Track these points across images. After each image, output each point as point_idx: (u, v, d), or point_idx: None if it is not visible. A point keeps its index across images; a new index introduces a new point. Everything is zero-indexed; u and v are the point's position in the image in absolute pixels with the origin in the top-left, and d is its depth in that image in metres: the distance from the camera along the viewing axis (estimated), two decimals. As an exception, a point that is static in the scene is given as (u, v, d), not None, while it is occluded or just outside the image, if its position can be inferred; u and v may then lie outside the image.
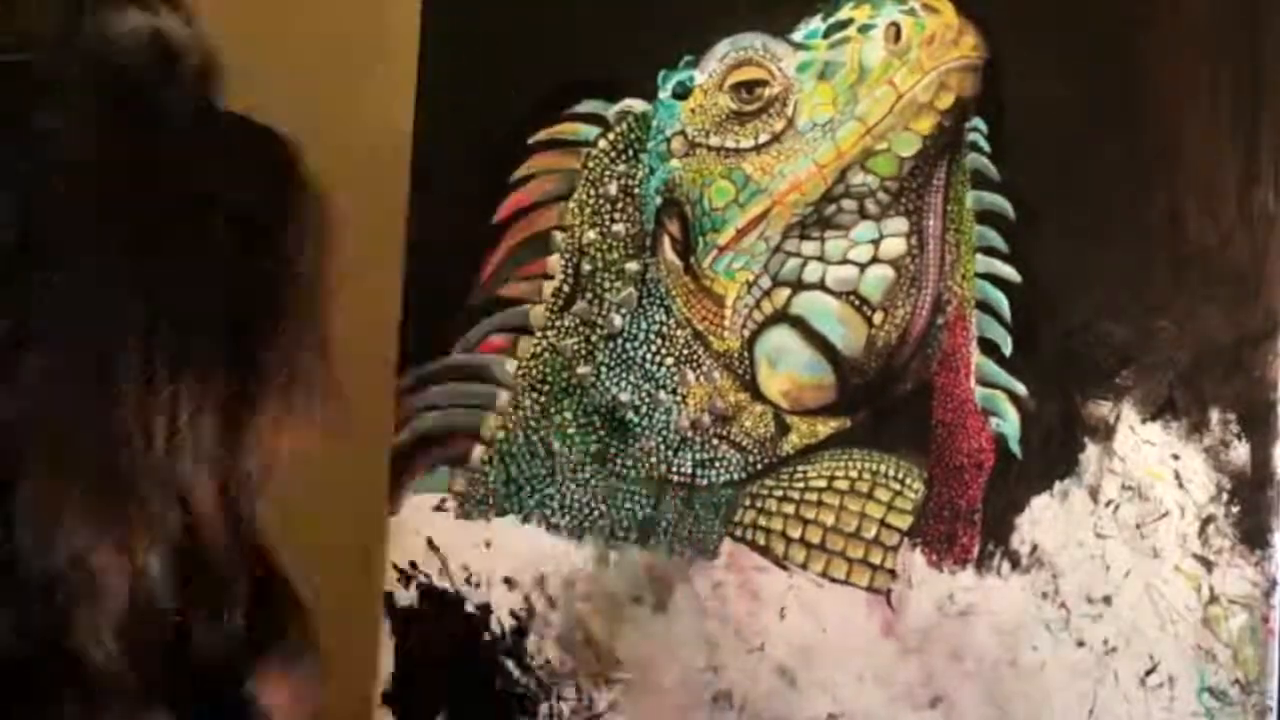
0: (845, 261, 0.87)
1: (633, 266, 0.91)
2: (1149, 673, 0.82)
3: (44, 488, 0.45)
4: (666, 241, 0.90)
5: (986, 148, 0.85)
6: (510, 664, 0.91)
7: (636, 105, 0.91)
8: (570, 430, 0.91)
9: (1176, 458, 0.82)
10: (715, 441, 0.89)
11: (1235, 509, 0.81)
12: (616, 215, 0.91)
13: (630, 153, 0.91)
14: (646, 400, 0.90)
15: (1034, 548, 0.84)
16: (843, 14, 0.87)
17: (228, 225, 0.49)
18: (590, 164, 0.91)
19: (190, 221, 0.48)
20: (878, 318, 0.86)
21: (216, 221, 0.49)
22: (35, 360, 0.45)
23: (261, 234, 0.50)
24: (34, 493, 0.45)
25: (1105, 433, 0.83)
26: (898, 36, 0.85)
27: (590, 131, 0.91)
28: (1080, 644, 0.83)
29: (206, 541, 0.48)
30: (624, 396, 0.90)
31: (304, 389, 0.51)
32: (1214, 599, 0.81)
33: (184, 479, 0.47)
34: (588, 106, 0.91)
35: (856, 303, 0.87)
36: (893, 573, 0.86)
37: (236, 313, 0.49)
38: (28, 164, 0.46)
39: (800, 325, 0.87)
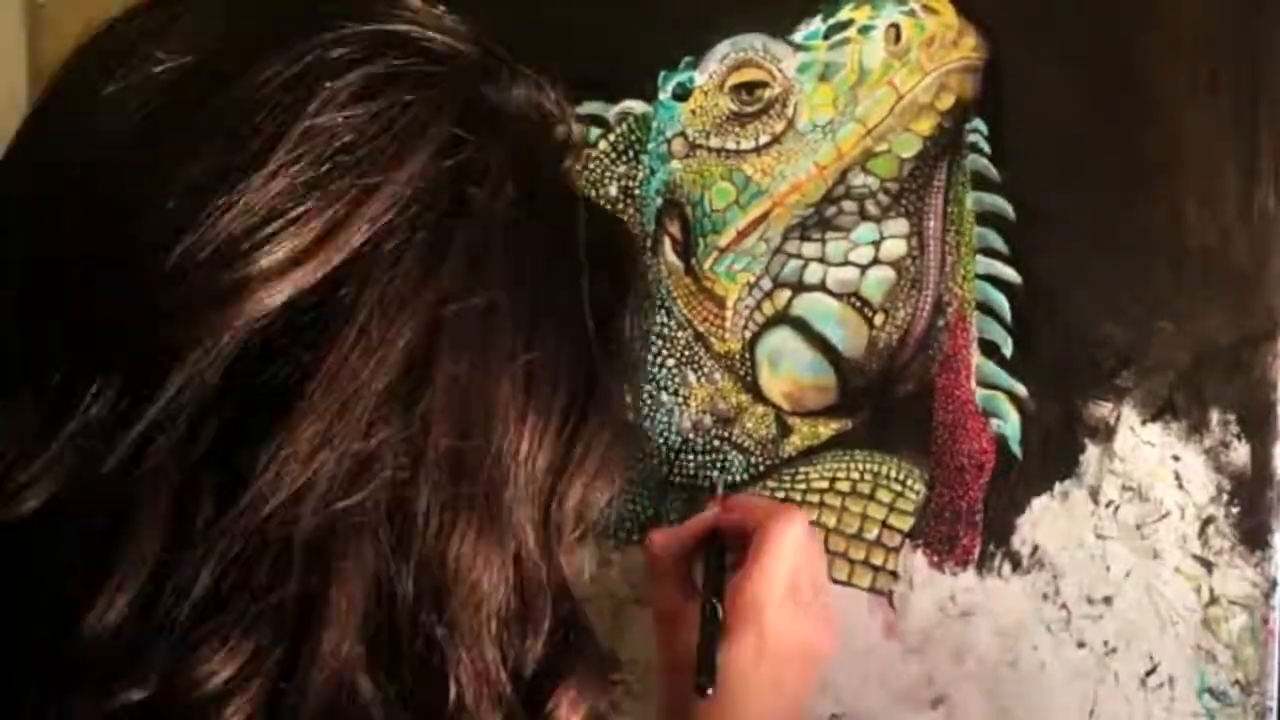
0: (846, 263, 0.87)
1: (633, 268, 0.90)
2: (1149, 673, 0.82)
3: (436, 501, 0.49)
4: (667, 243, 0.90)
5: (987, 149, 0.85)
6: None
7: (636, 106, 0.90)
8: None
9: (1177, 459, 0.82)
10: (717, 443, 0.89)
11: (1235, 510, 0.81)
12: (617, 216, 0.91)
13: (630, 154, 0.91)
14: (648, 401, 0.90)
15: (1035, 549, 0.84)
16: (843, 15, 0.87)
17: (593, 290, 0.53)
18: (590, 165, 0.91)
19: (568, 284, 0.53)
20: (879, 319, 0.87)
21: (583, 284, 0.53)
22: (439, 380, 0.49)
23: (616, 299, 0.55)
24: (426, 505, 0.49)
25: (1105, 434, 0.83)
26: (898, 38, 0.85)
27: (590, 133, 0.91)
28: (1081, 645, 0.83)
29: (526, 572, 0.51)
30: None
31: (620, 446, 0.54)
32: (1214, 600, 0.81)
33: (518, 507, 0.51)
34: (587, 107, 0.91)
35: (857, 304, 0.87)
36: (894, 574, 0.86)
37: (589, 369, 0.52)
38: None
39: (801, 327, 0.87)
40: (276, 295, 0.46)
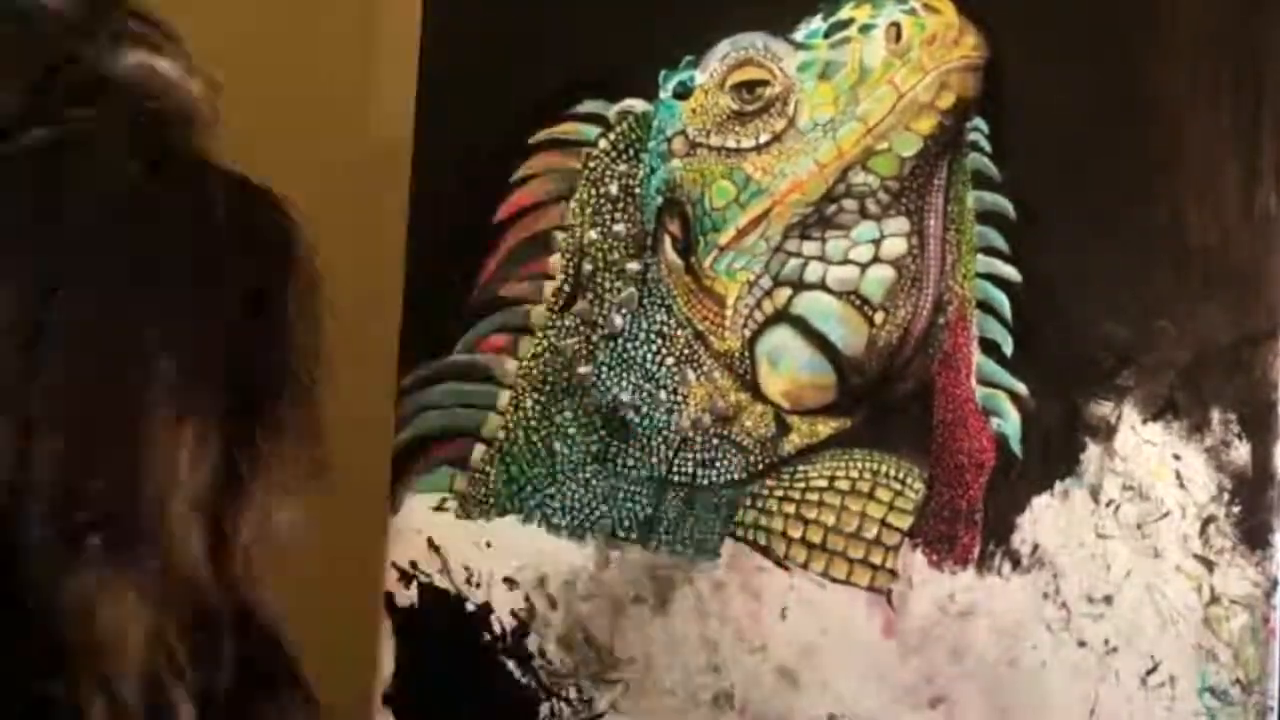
0: (846, 261, 0.87)
1: (633, 266, 0.91)
2: (1150, 673, 0.82)
3: (57, 523, 0.44)
4: (667, 241, 0.90)
5: (987, 147, 0.85)
6: (511, 664, 0.91)
7: (637, 105, 0.91)
8: (571, 430, 0.91)
9: (1178, 458, 0.82)
10: (716, 441, 0.89)
11: (1236, 509, 0.81)
12: (617, 215, 0.91)
13: (631, 153, 0.91)
14: (647, 400, 0.90)
15: (1035, 548, 0.84)
16: (843, 14, 0.87)
17: (231, 285, 0.48)
18: (591, 164, 0.91)
19: (197, 276, 0.48)
20: (879, 318, 0.86)
21: (220, 278, 0.48)
22: (48, 385, 0.44)
23: (263, 297, 0.49)
24: (45, 527, 0.44)
25: (1106, 433, 0.83)
26: (898, 36, 0.85)
27: (591, 131, 0.91)
28: (1081, 644, 0.83)
29: (190, 595, 0.47)
30: (625, 396, 0.90)
31: (298, 460, 0.50)
32: (1215, 599, 0.81)
33: (177, 523, 0.46)
34: (588, 106, 0.91)
35: (857, 302, 0.87)
36: (894, 573, 0.86)
37: (238, 371, 0.48)
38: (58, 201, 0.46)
39: (801, 325, 0.87)
40: None
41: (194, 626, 0.47)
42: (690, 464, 0.89)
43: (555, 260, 0.92)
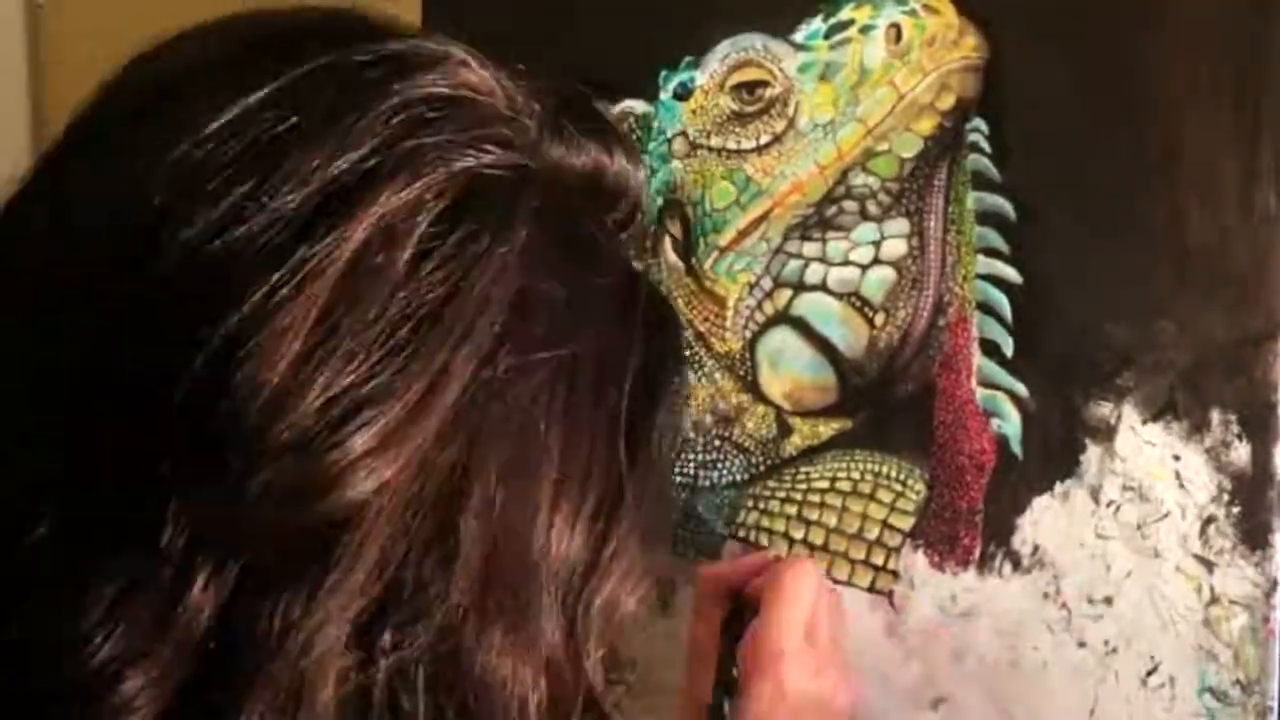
0: (846, 263, 0.87)
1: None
2: (1150, 673, 0.82)
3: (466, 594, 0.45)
4: (668, 242, 0.90)
5: (987, 148, 0.85)
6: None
7: (637, 106, 0.90)
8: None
9: (1177, 458, 0.82)
10: (717, 443, 0.89)
11: (1236, 510, 0.81)
12: (617, 216, 0.91)
13: (631, 154, 0.91)
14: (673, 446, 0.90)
15: (1035, 548, 0.84)
16: (843, 15, 0.87)
17: (636, 375, 0.49)
18: (591, 165, 0.91)
19: (615, 380, 0.49)
20: (879, 319, 0.87)
21: (627, 366, 0.49)
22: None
23: (659, 387, 0.51)
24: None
25: (1106, 433, 0.83)
26: (898, 37, 0.85)
27: (591, 132, 0.91)
28: (1081, 644, 0.83)
29: (555, 678, 0.47)
30: (626, 398, 0.90)
31: (650, 547, 0.50)
32: (1215, 599, 0.81)
33: (547, 612, 0.47)
34: (588, 107, 0.91)
35: (858, 304, 0.87)
36: (895, 574, 0.86)
37: (619, 468, 0.48)
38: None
39: (802, 326, 0.87)
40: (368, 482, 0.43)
41: (553, 708, 0.47)
42: (691, 465, 0.89)
43: (556, 261, 0.92)
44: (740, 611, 0.80)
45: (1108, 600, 0.83)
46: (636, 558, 0.49)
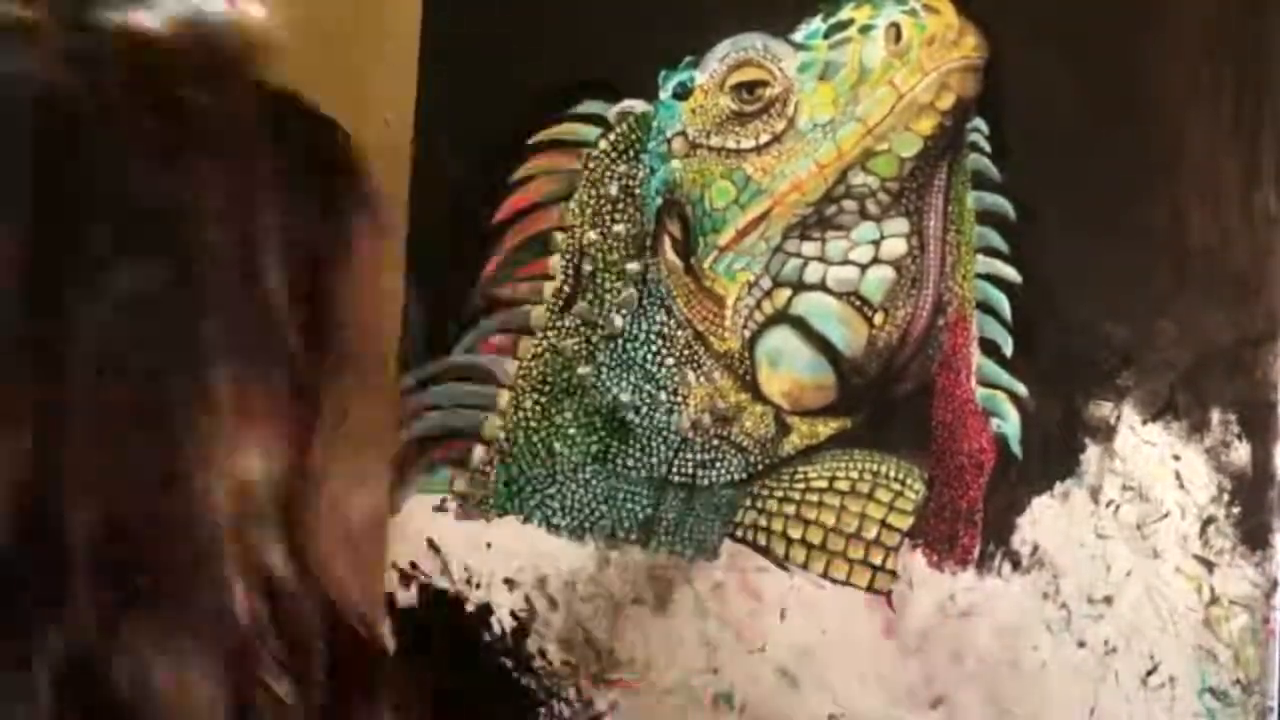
0: (846, 262, 0.87)
1: (633, 267, 0.91)
2: (1150, 673, 0.82)
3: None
4: (667, 242, 0.90)
5: (987, 148, 0.85)
6: (511, 665, 0.91)
7: (637, 106, 0.90)
8: (571, 431, 0.91)
9: (1177, 458, 0.82)
10: (716, 442, 0.89)
11: (1236, 510, 0.81)
12: (617, 216, 0.91)
13: (631, 153, 0.91)
14: (647, 401, 0.90)
15: (1035, 548, 0.84)
16: (843, 14, 0.87)
17: (290, 248, 0.45)
18: (591, 164, 0.91)
19: (243, 244, 0.44)
20: (878, 318, 0.86)
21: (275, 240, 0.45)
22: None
23: (325, 260, 0.46)
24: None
25: (1106, 433, 0.83)
26: (898, 37, 0.85)
27: (591, 132, 0.91)
28: (1081, 644, 0.83)
29: (285, 605, 0.44)
30: (625, 397, 0.90)
31: (370, 439, 0.47)
32: (1215, 599, 0.81)
33: (260, 538, 0.44)
34: (588, 107, 0.91)
35: (857, 303, 0.87)
36: (893, 573, 0.86)
37: (296, 339, 0.44)
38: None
39: (801, 326, 0.87)
40: None
41: (284, 639, 0.44)
42: (690, 464, 0.89)
43: (555, 261, 0.92)
44: None
45: (1107, 600, 0.82)
46: (358, 454, 0.46)
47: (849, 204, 0.87)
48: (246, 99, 0.46)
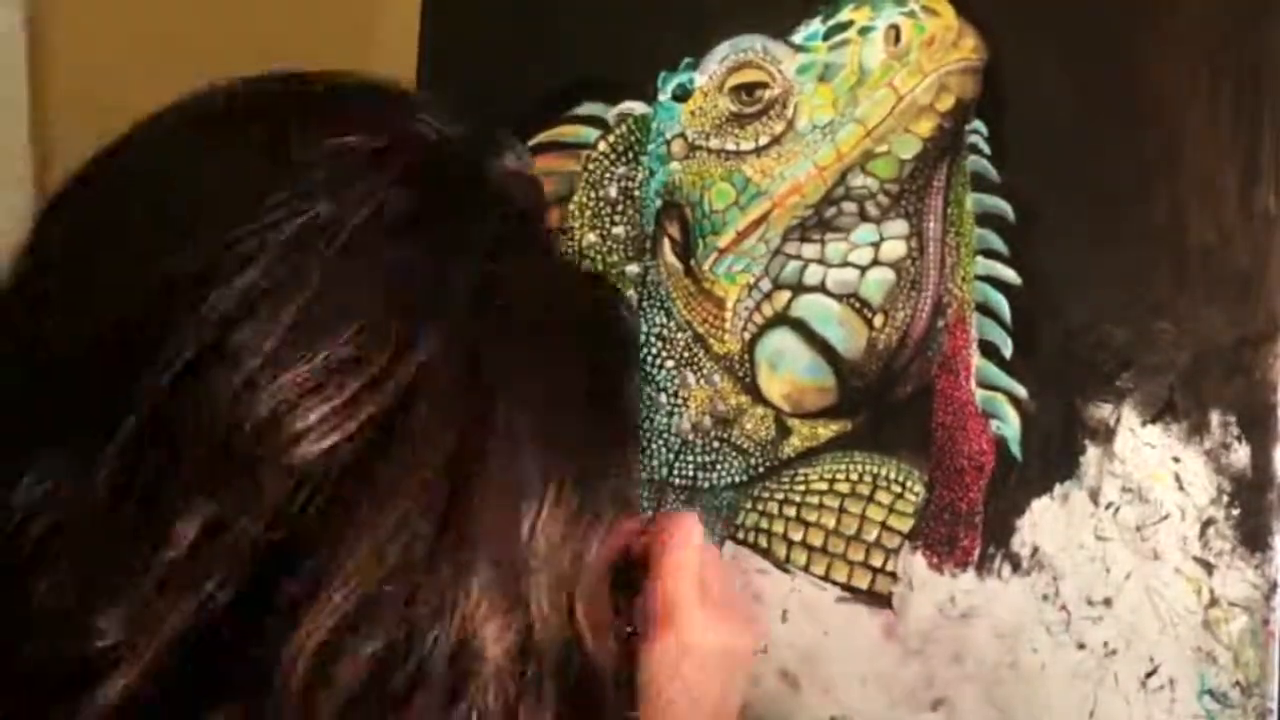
0: (845, 264, 0.87)
1: (633, 269, 0.91)
2: (1149, 675, 0.82)
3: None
4: (666, 244, 0.90)
5: (987, 150, 0.85)
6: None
7: (636, 108, 0.90)
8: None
9: (1177, 460, 0.82)
10: (716, 444, 0.89)
11: (1236, 511, 0.81)
12: (616, 218, 0.91)
13: (630, 155, 0.91)
14: (647, 403, 0.90)
15: (1034, 550, 0.84)
16: (842, 16, 0.87)
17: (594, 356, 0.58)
18: (590, 166, 0.91)
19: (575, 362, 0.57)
20: (878, 320, 0.87)
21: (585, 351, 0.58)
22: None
23: (619, 368, 0.60)
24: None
25: (1106, 435, 0.83)
26: (897, 39, 0.85)
27: (590, 134, 0.91)
28: (1081, 646, 0.83)
29: (539, 638, 0.54)
30: (625, 400, 0.90)
31: (622, 504, 0.58)
32: (1214, 601, 0.81)
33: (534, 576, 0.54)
34: (587, 109, 0.91)
35: (857, 305, 0.87)
36: (894, 575, 0.86)
37: (596, 443, 0.57)
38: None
39: (801, 328, 0.87)
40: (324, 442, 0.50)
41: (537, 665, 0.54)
42: (691, 467, 0.89)
43: (555, 263, 0.92)
44: (629, 570, 0.79)
45: (1107, 602, 0.83)
46: (612, 514, 0.57)
47: (848, 206, 0.87)
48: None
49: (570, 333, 0.58)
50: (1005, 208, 0.85)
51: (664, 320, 0.90)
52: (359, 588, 0.49)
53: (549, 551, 0.54)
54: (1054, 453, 0.84)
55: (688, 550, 0.77)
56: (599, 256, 0.91)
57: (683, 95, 0.90)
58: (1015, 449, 0.84)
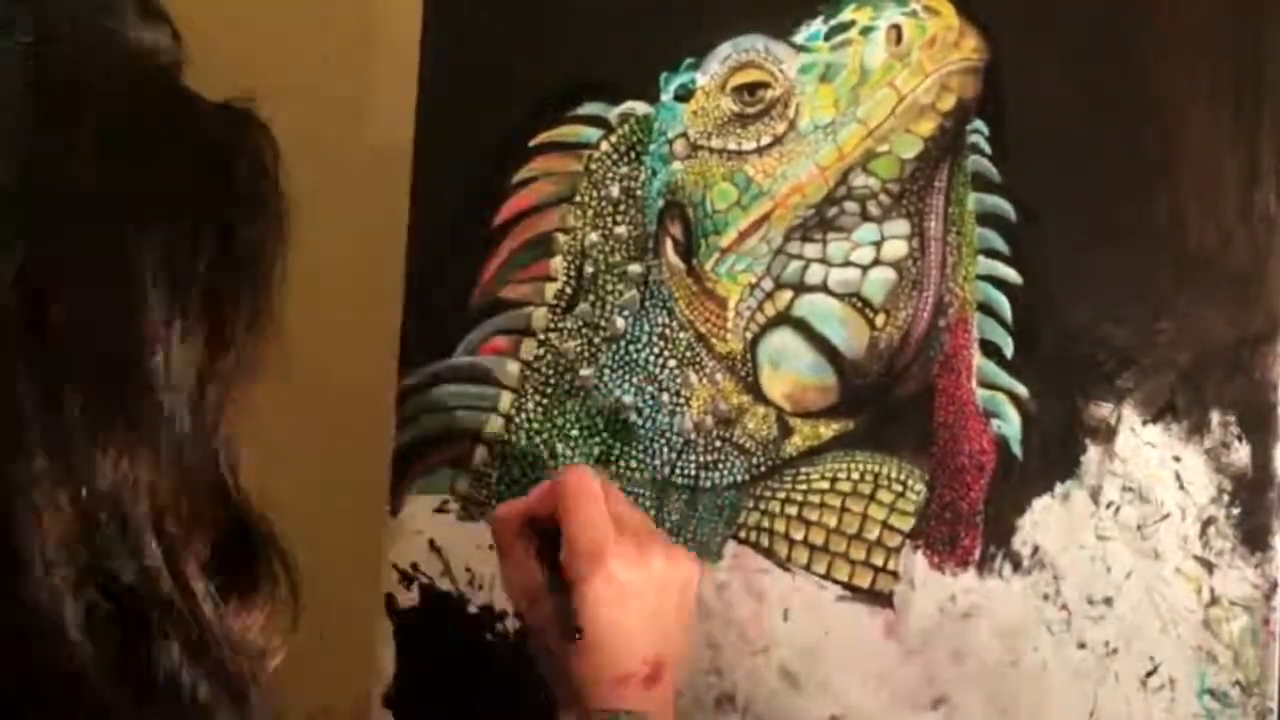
0: (847, 264, 0.87)
1: (635, 269, 0.91)
2: (1150, 674, 0.82)
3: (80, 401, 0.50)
4: (669, 244, 0.90)
5: (988, 149, 0.85)
6: (513, 667, 0.91)
7: (639, 107, 0.90)
8: (573, 432, 0.91)
9: (1177, 459, 0.82)
10: (719, 444, 0.89)
11: (1236, 511, 0.81)
12: (619, 217, 0.91)
13: (632, 155, 0.91)
14: (649, 402, 0.90)
15: (1035, 549, 0.84)
16: (844, 16, 0.87)
17: (215, 206, 0.55)
18: (592, 166, 0.91)
19: (186, 195, 0.54)
20: (880, 320, 0.87)
21: (208, 200, 0.55)
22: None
23: (236, 229, 0.56)
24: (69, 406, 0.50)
25: (1106, 434, 0.83)
26: (899, 38, 0.86)
27: (592, 134, 0.91)
28: (1081, 645, 0.83)
29: (186, 466, 0.53)
30: (627, 399, 0.90)
31: (259, 357, 0.56)
32: (1215, 601, 0.81)
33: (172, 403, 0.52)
34: (589, 109, 0.91)
35: (859, 305, 0.87)
36: (895, 574, 0.86)
37: (215, 278, 0.54)
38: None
39: (803, 327, 0.87)
40: None
41: (182, 492, 0.52)
42: (693, 466, 0.89)
43: (556, 262, 0.92)
44: (548, 538, 0.80)
45: (1108, 601, 0.83)
46: (248, 355, 0.56)
47: (850, 205, 0.87)
48: None
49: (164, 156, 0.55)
50: (1006, 207, 0.85)
51: (666, 320, 0.90)
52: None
53: (176, 382, 0.53)
54: (1055, 452, 0.84)
55: (589, 500, 0.78)
56: (601, 256, 0.91)
57: (685, 95, 0.90)
58: (1016, 448, 0.85)
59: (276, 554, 0.57)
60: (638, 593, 0.77)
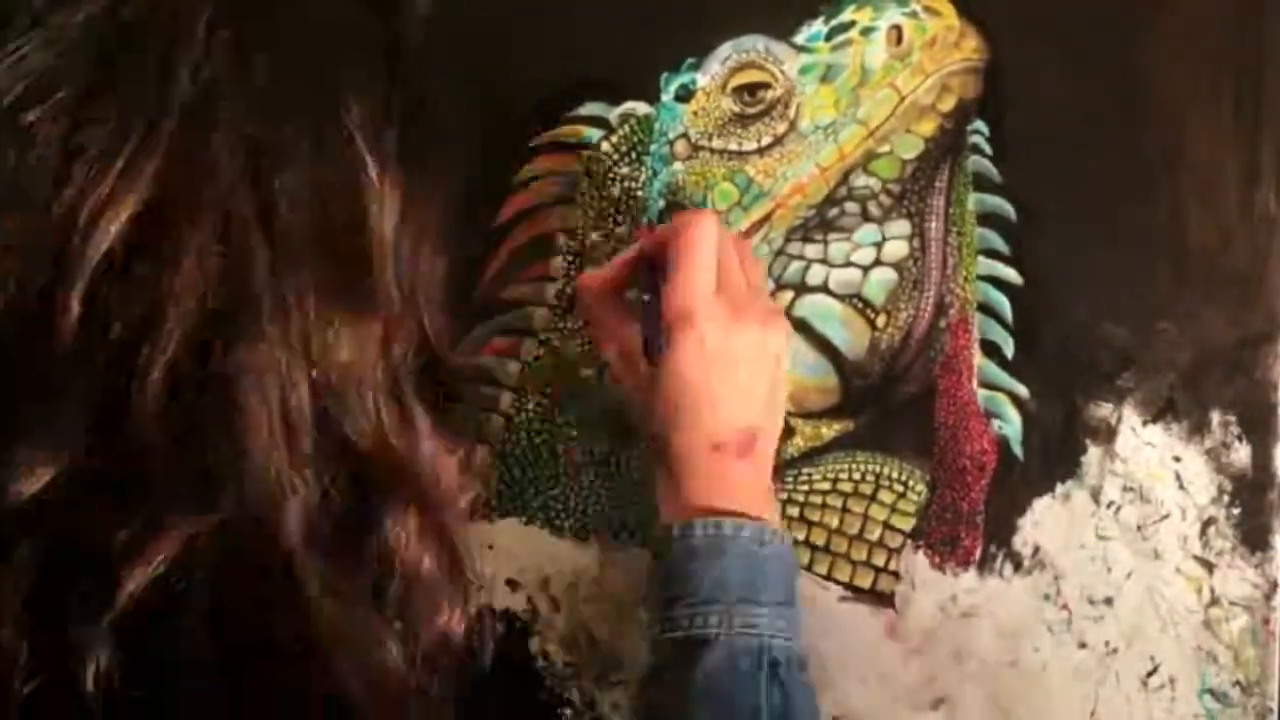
0: (848, 264, 0.87)
1: (635, 269, 0.90)
2: (1150, 674, 0.82)
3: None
4: (669, 244, 0.90)
5: (988, 150, 0.86)
6: (513, 667, 0.91)
7: (639, 108, 0.90)
8: (574, 433, 0.91)
9: (1178, 459, 0.83)
10: (719, 444, 0.89)
11: (1236, 511, 0.82)
12: (620, 217, 0.91)
13: (633, 156, 0.90)
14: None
15: (1036, 549, 0.84)
16: (845, 16, 0.87)
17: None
18: (593, 166, 0.91)
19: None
20: (881, 320, 0.87)
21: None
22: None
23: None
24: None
25: (1107, 434, 0.84)
26: (899, 39, 0.85)
27: (592, 134, 0.91)
28: (1082, 645, 0.83)
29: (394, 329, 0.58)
30: (627, 399, 0.90)
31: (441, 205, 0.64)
32: (1215, 601, 0.81)
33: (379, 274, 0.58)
34: (590, 109, 0.91)
35: (860, 305, 0.87)
36: (896, 575, 0.86)
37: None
38: None
39: (804, 328, 0.87)
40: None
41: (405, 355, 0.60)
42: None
43: (557, 263, 0.91)
44: (653, 282, 0.79)
45: (1108, 601, 0.83)
46: (435, 212, 0.63)
47: (851, 206, 0.87)
48: None
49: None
50: (1007, 207, 0.85)
51: (666, 320, 0.90)
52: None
53: (381, 245, 0.58)
54: (1055, 452, 0.84)
55: (702, 251, 0.76)
56: (602, 256, 0.90)
57: (685, 95, 0.89)
58: (1017, 448, 0.85)
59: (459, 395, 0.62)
60: (728, 358, 0.75)
